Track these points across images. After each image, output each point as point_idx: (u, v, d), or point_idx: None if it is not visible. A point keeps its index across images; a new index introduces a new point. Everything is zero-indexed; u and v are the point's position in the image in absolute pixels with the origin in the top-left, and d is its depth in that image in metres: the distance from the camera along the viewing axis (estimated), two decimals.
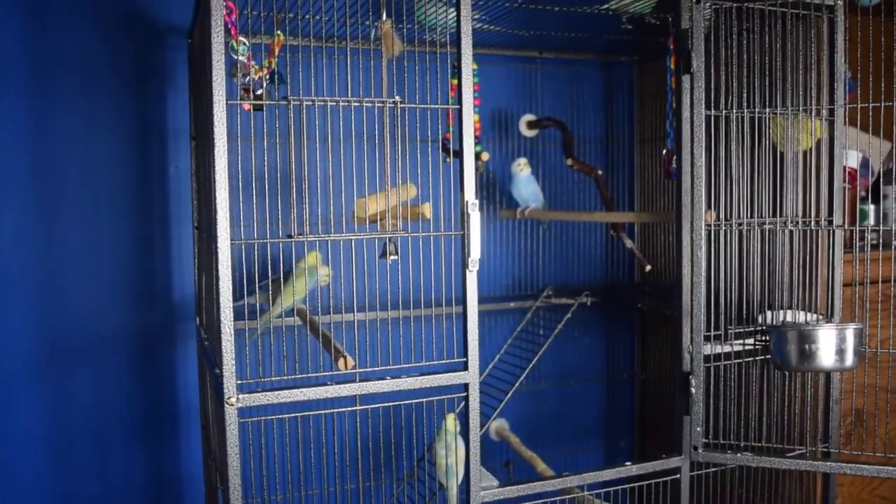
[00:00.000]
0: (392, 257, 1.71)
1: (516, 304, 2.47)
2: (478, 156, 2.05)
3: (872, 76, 1.80)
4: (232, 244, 1.38)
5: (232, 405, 1.39)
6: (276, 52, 1.65)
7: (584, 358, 2.64)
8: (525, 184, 2.27)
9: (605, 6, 1.97)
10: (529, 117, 2.41)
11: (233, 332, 1.39)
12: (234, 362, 1.39)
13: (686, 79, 1.72)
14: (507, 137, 2.45)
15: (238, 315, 1.42)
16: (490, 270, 2.46)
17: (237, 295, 1.41)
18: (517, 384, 2.25)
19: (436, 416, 1.59)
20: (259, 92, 1.60)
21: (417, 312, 1.53)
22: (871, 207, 2.38)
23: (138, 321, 2.13)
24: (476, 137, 2.09)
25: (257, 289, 1.48)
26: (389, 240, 1.70)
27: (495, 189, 2.44)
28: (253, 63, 1.60)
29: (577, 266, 2.56)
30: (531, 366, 2.27)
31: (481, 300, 2.42)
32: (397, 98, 1.48)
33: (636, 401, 2.71)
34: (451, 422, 1.77)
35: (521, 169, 2.26)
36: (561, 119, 2.36)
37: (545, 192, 2.42)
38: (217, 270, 1.38)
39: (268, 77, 1.63)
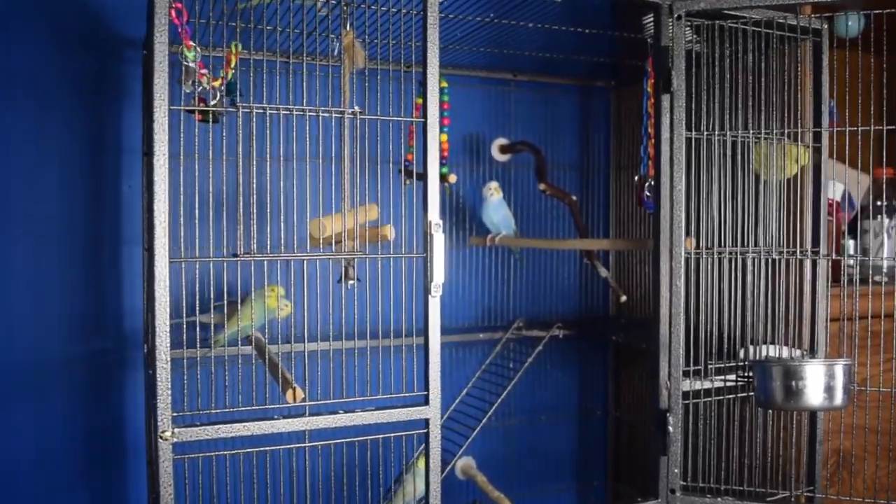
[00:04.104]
0: (351, 282, 1.60)
1: (485, 336, 2.36)
2: (444, 178, 1.95)
3: (849, 109, 1.72)
4: (171, 263, 1.26)
5: (166, 440, 1.26)
6: (233, 63, 1.55)
7: (556, 393, 2.53)
8: (496, 209, 2.17)
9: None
10: (502, 141, 2.32)
11: (169, 359, 1.26)
12: (169, 392, 1.26)
13: (665, 98, 1.63)
14: (478, 162, 2.35)
15: (178, 343, 1.30)
16: (458, 300, 2.35)
17: (174, 316, 1.29)
18: (485, 420, 2.13)
19: (393, 454, 1.46)
20: (213, 103, 1.49)
21: (375, 343, 1.41)
22: (851, 243, 2.30)
23: (85, 349, 1.99)
24: (444, 158, 1.99)
25: (197, 312, 1.36)
26: (350, 263, 1.59)
27: (465, 215, 2.33)
28: (205, 71, 1.49)
29: (550, 297, 2.46)
30: (500, 401, 2.15)
31: (449, 331, 2.35)
32: (357, 109, 1.37)
33: (610, 438, 2.60)
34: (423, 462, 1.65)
35: (492, 193, 2.16)
36: (535, 143, 2.27)
37: (517, 219, 2.32)
38: (153, 291, 1.26)
39: (223, 89, 1.53)
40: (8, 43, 1.88)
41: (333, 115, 1.37)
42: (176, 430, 1.27)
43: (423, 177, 1.41)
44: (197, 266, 1.31)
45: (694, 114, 1.65)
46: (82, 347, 1.99)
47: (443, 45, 1.99)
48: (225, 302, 1.34)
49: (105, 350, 2.01)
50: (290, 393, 1.32)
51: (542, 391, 2.49)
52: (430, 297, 1.41)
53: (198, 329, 1.39)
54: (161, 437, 1.26)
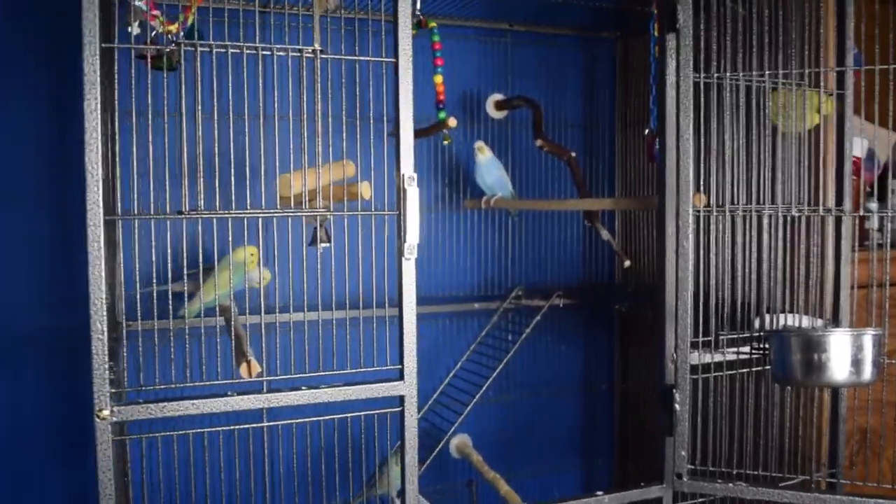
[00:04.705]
0: (323, 244, 1.45)
1: (482, 306, 2.21)
2: (443, 123, 1.77)
3: (879, 54, 1.53)
4: (106, 221, 1.12)
5: (104, 419, 1.12)
6: (194, 8, 1.39)
7: (558, 366, 2.37)
8: (488, 170, 2.01)
9: None
10: (498, 97, 2.15)
11: (105, 330, 1.12)
12: (106, 365, 1.12)
13: (671, 38, 1.46)
14: (473, 120, 2.19)
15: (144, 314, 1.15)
16: (453, 267, 2.19)
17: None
18: (479, 394, 1.98)
19: (364, 436, 1.31)
20: (167, 50, 1.33)
21: (342, 314, 1.26)
22: (876, 205, 2.12)
23: (59, 321, 1.84)
24: (440, 102, 1.82)
25: (137, 283, 1.21)
26: (321, 223, 1.44)
27: (459, 176, 2.17)
28: (157, 13, 1.33)
29: (551, 263, 2.30)
30: (495, 374, 2.00)
31: (442, 300, 2.19)
32: (318, 46, 1.21)
33: (616, 415, 2.45)
34: None
35: (479, 152, 2.00)
36: (534, 99, 2.10)
37: (516, 180, 2.16)
38: (88, 252, 1.12)
39: (181, 34, 1.37)
40: None
41: (290, 54, 1.20)
42: (115, 408, 1.13)
43: (395, 124, 1.25)
44: (135, 224, 1.16)
45: (703, 55, 1.47)
46: (55, 321, 1.84)
47: None
48: (168, 274, 1.19)
49: (82, 323, 1.86)
50: (244, 367, 1.18)
51: (543, 364, 2.34)
52: (403, 259, 1.25)
53: (138, 298, 1.24)
54: (97, 416, 1.12)
